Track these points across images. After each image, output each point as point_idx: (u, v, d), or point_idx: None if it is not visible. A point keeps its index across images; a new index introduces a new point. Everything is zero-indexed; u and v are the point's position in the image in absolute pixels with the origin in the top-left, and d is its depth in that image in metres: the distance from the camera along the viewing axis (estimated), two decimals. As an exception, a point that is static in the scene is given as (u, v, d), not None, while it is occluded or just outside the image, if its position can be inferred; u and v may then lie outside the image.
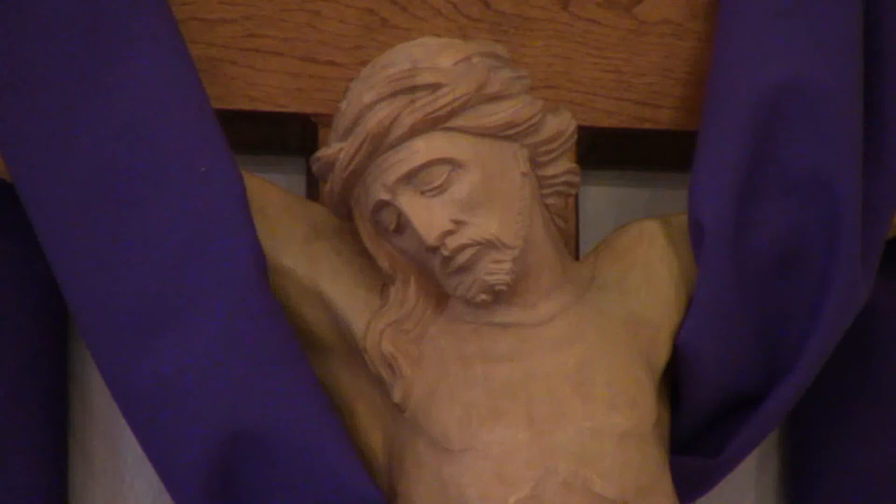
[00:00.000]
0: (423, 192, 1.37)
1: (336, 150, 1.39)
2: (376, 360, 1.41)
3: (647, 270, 1.49)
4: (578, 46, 1.58)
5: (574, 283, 1.46)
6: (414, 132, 1.37)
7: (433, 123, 1.37)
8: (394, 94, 1.37)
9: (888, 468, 1.66)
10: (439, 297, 1.44)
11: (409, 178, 1.37)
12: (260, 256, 1.39)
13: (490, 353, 1.41)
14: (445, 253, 1.37)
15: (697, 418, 1.51)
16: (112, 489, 1.60)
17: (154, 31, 1.40)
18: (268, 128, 1.56)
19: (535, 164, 1.41)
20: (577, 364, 1.41)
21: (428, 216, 1.37)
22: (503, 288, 1.39)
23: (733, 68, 1.52)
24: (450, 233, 1.37)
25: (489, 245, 1.38)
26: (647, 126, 1.60)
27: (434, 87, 1.37)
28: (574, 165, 1.45)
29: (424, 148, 1.37)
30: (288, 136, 1.58)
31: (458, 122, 1.37)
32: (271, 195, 1.46)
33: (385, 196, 1.38)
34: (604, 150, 1.63)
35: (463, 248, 1.37)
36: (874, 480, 1.66)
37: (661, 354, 1.47)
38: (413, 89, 1.37)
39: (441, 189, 1.37)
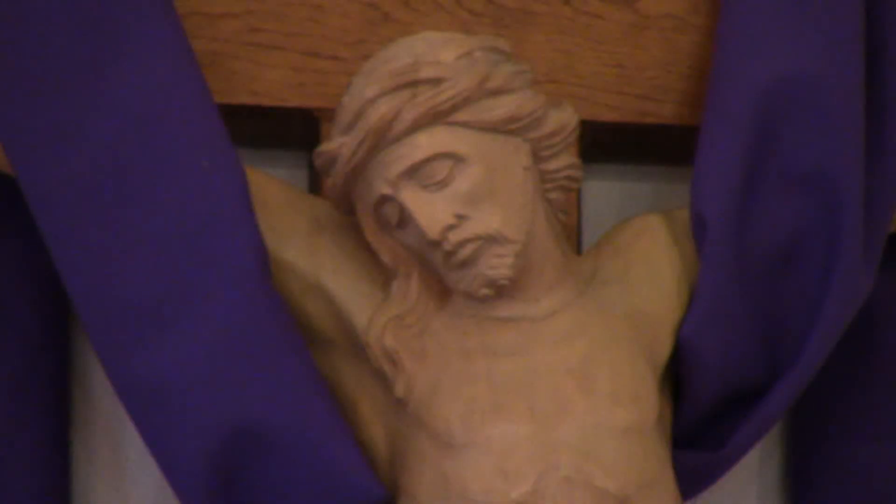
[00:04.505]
0: (425, 187, 1.37)
1: (338, 144, 1.39)
2: (378, 355, 1.41)
3: (650, 265, 1.49)
4: (580, 41, 1.58)
5: (576, 278, 1.46)
6: (416, 127, 1.37)
7: (435, 118, 1.37)
8: (396, 89, 1.37)
9: (891, 463, 1.66)
10: (442, 292, 1.44)
11: (412, 172, 1.37)
12: (262, 250, 1.39)
13: (492, 347, 1.41)
14: (448, 247, 1.37)
15: (700, 412, 1.51)
16: (115, 484, 1.60)
17: (156, 25, 1.40)
18: (270, 122, 1.56)
19: (537, 158, 1.41)
20: (580, 359, 1.41)
21: (430, 211, 1.37)
22: (505, 282, 1.39)
23: (735, 62, 1.52)
24: (452, 227, 1.37)
25: (491, 239, 1.38)
26: (649, 120, 1.60)
27: (436, 81, 1.37)
28: (576, 160, 1.44)
29: (426, 142, 1.37)
30: (290, 131, 1.58)
31: (461, 116, 1.37)
32: (273, 189, 1.46)
33: (387, 190, 1.38)
34: (606, 145, 1.63)
35: (465, 242, 1.37)
36: (877, 475, 1.66)
37: (664, 349, 1.47)
38: (415, 84, 1.37)
39: (443, 183, 1.37)
